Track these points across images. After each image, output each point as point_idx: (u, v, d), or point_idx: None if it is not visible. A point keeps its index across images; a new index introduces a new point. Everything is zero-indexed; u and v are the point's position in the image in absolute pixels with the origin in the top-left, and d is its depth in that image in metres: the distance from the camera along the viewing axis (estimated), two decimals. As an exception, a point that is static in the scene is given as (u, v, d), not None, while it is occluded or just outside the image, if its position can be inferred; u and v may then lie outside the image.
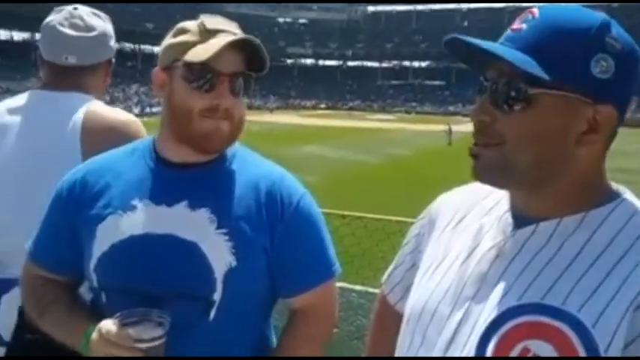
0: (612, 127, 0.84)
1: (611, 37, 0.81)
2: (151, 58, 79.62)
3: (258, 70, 1.24)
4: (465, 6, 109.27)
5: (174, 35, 1.24)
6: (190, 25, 1.24)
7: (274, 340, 1.39)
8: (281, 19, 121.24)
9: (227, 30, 1.22)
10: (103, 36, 1.82)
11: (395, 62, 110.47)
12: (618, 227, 0.84)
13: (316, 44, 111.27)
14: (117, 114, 1.75)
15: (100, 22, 1.83)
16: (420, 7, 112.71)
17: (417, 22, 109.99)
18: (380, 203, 12.32)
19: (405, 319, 1.02)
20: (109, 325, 1.10)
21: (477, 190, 1.03)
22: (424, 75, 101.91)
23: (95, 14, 1.84)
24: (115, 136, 1.59)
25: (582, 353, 0.76)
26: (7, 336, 1.57)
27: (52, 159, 1.60)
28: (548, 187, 0.86)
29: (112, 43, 1.87)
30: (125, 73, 71.92)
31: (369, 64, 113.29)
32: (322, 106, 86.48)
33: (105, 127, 1.66)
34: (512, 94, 0.83)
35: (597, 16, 0.83)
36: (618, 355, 0.75)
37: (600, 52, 0.80)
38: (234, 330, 1.25)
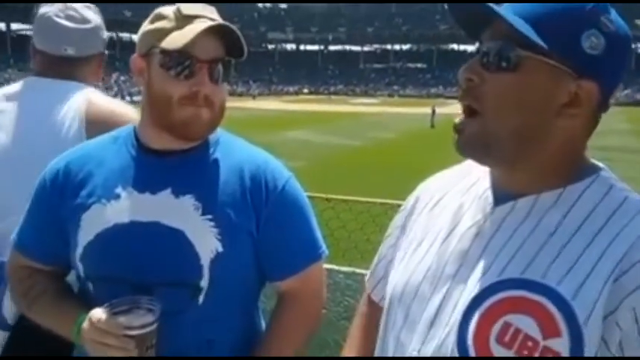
0: (593, 104, 0.85)
1: (607, 17, 0.83)
2: (130, 46, 78.46)
3: (237, 55, 1.23)
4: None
5: (152, 21, 1.23)
6: (167, 10, 1.21)
7: (263, 323, 1.40)
8: (261, 5, 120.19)
9: (204, 15, 1.20)
10: (98, 28, 1.86)
11: (376, 46, 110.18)
12: (595, 202, 0.85)
13: (297, 29, 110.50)
14: (117, 104, 1.79)
15: (93, 15, 1.86)
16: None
17: (397, 6, 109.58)
18: (365, 186, 12.36)
19: (387, 300, 1.03)
20: (99, 313, 1.10)
21: (456, 171, 1.06)
22: (406, 58, 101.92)
23: (87, 7, 1.86)
24: (116, 124, 1.60)
25: (563, 326, 0.78)
26: (12, 320, 1.57)
27: (52, 144, 1.60)
28: (527, 160, 0.87)
29: (105, 35, 1.92)
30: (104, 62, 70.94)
31: (351, 48, 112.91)
32: (305, 91, 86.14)
33: (106, 116, 1.68)
34: (502, 54, 0.84)
35: None
36: (598, 327, 0.77)
37: (593, 29, 0.82)
38: (223, 314, 1.25)
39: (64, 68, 1.79)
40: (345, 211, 4.42)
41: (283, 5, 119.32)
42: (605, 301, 0.77)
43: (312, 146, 21.20)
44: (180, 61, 1.16)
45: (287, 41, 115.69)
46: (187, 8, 1.20)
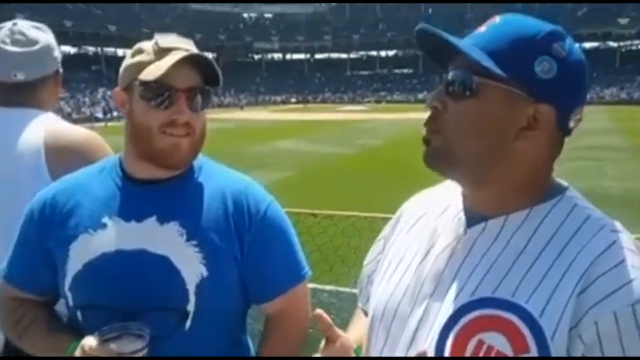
0: (550, 127, 0.90)
1: (559, 44, 0.90)
2: (116, 60, 78.44)
3: (214, 84, 1.28)
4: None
5: (132, 55, 1.28)
6: (146, 45, 1.27)
7: (250, 343, 1.44)
8: (246, 15, 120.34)
9: (180, 47, 1.25)
10: (47, 48, 1.81)
11: (362, 53, 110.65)
12: (560, 221, 0.91)
13: (283, 38, 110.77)
14: (77, 131, 1.74)
15: (42, 35, 1.82)
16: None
17: (382, 12, 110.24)
18: (354, 195, 12.37)
19: (369, 320, 1.08)
20: (90, 341, 1.12)
21: (436, 191, 1.11)
22: (392, 64, 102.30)
23: (35, 27, 1.82)
24: (80, 152, 1.59)
25: (531, 342, 0.83)
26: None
27: (16, 180, 1.57)
28: (491, 181, 0.93)
29: (57, 53, 1.86)
30: (90, 77, 70.67)
31: (337, 55, 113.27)
32: (292, 100, 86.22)
33: (67, 145, 1.65)
34: (462, 82, 0.91)
35: (550, 25, 0.92)
36: (564, 340, 0.82)
37: (545, 55, 0.88)
38: (211, 337, 1.27)
39: (17, 95, 1.74)
40: (332, 225, 4.46)
41: (268, 15, 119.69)
42: (570, 316, 0.82)
43: (301, 155, 21.19)
44: (159, 91, 1.20)
45: (273, 51, 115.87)
46: (164, 41, 1.25)
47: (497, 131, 0.90)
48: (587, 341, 0.81)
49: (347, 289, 3.77)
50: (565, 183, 0.98)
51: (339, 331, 1.01)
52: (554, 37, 0.90)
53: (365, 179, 15.16)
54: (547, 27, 0.92)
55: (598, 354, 0.81)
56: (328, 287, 3.88)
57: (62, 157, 1.57)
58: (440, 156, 0.94)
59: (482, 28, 0.94)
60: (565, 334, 0.82)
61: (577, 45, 0.93)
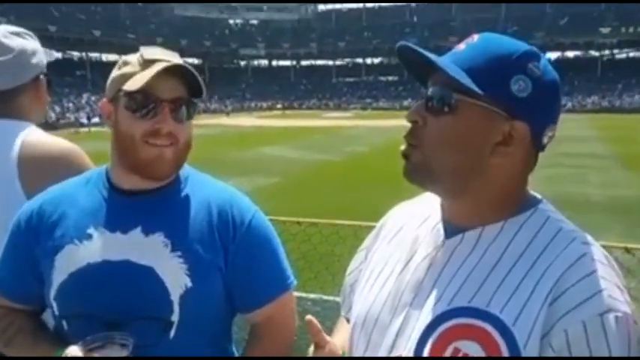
0: (525, 143, 0.94)
1: (534, 64, 0.93)
2: (101, 65, 77.95)
3: (197, 95, 1.29)
4: (413, 4, 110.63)
5: (119, 68, 1.30)
6: (131, 57, 1.29)
7: (235, 352, 1.45)
8: (232, 21, 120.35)
9: (164, 59, 1.26)
10: (23, 54, 1.75)
11: (348, 60, 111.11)
12: (533, 233, 0.94)
13: (269, 45, 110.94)
14: (56, 143, 1.67)
15: (18, 41, 1.75)
16: (369, 4, 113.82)
17: (366, 19, 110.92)
18: (341, 201, 12.40)
19: (350, 328, 1.11)
20: (75, 351, 1.13)
21: (417, 203, 1.14)
22: (377, 71, 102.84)
23: (13, 33, 1.76)
24: (57, 166, 1.56)
25: (504, 350, 0.86)
26: None
27: None
28: (468, 194, 0.97)
29: (37, 59, 1.79)
30: (75, 82, 70.09)
31: (323, 62, 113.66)
32: (278, 106, 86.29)
33: (45, 159, 1.60)
34: (440, 98, 0.94)
35: (525, 45, 0.96)
36: (536, 348, 0.85)
37: (521, 74, 0.92)
38: (195, 346, 1.28)
39: (1, 104, 1.69)
40: (316, 233, 4.49)
41: (254, 21, 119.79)
42: (542, 325, 0.85)
43: (287, 162, 21.20)
44: (144, 102, 1.22)
45: (259, 57, 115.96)
46: (149, 53, 1.28)
47: (474, 147, 0.93)
48: (557, 348, 0.84)
49: (331, 298, 3.78)
50: (538, 195, 1.01)
51: (328, 337, 1.04)
52: (529, 57, 0.94)
53: (350, 186, 15.21)
54: (523, 47, 0.95)
55: (566, 354, 0.84)
56: (312, 295, 3.90)
57: (37, 171, 1.54)
58: (419, 171, 0.97)
59: (462, 46, 0.98)
60: (537, 343, 0.85)
61: (550, 66, 0.97)
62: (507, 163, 0.95)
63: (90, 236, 1.26)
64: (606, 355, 0.82)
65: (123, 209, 1.29)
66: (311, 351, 1.04)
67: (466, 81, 0.91)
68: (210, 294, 1.29)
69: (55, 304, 1.27)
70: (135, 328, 1.19)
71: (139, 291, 1.23)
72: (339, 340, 1.16)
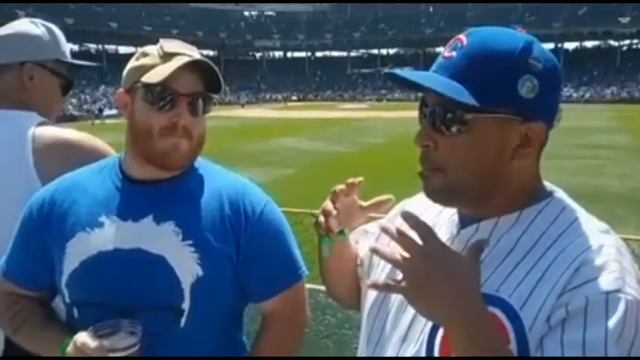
0: (542, 139, 0.93)
1: (533, 57, 0.89)
2: (117, 58, 78.34)
3: (215, 90, 1.30)
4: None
5: (136, 59, 1.30)
6: (150, 49, 1.30)
7: (245, 342, 1.45)
8: (247, 13, 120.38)
9: (184, 53, 1.27)
10: (15, 36, 1.75)
11: (363, 51, 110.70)
12: (548, 223, 0.94)
13: (284, 36, 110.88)
14: (69, 132, 1.68)
15: (25, 26, 1.76)
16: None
17: (382, 11, 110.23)
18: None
19: (365, 312, 1.12)
20: (83, 337, 1.14)
21: None
22: (393, 62, 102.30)
23: (30, 22, 1.78)
24: (71, 153, 1.56)
25: (511, 333, 0.86)
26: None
27: (7, 184, 1.56)
28: (491, 198, 0.96)
29: (32, 47, 1.76)
30: (92, 74, 70.70)
31: (338, 53, 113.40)
32: (293, 98, 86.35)
33: (60, 146, 1.61)
34: (449, 119, 0.90)
35: (519, 37, 0.91)
36: (541, 328, 0.84)
37: (525, 74, 0.88)
38: (205, 335, 1.29)
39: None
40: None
41: (269, 13, 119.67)
42: (549, 308, 0.85)
43: (302, 153, 21.22)
44: (162, 95, 1.23)
45: (274, 49, 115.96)
46: (169, 46, 1.28)
47: (494, 157, 0.92)
48: (553, 321, 0.84)
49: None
50: (552, 185, 1.01)
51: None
52: (526, 52, 0.89)
53: (366, 178, 15.16)
54: (518, 40, 0.90)
55: (559, 327, 0.82)
56: (324, 287, 3.90)
57: (52, 159, 1.55)
58: (443, 192, 0.96)
59: (452, 54, 0.92)
60: (542, 325, 0.84)
61: (544, 49, 0.92)
62: (528, 162, 0.94)
63: (101, 224, 1.27)
64: (600, 330, 0.79)
65: (135, 198, 1.30)
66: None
67: (469, 100, 0.87)
68: (221, 283, 1.29)
69: (66, 292, 1.28)
70: (146, 317, 1.20)
71: (149, 279, 1.24)
72: (355, 248, 1.26)
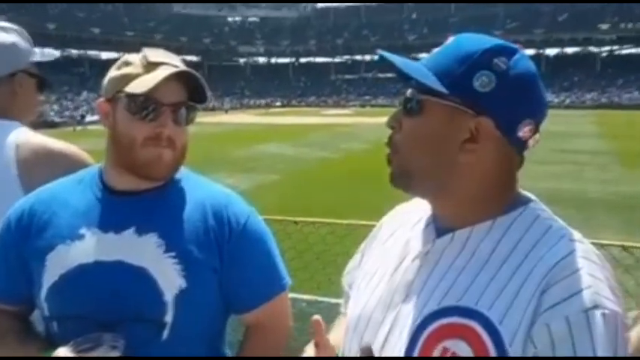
0: (492, 138, 0.93)
1: (500, 59, 0.93)
2: (100, 63, 77.71)
3: (200, 100, 1.29)
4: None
5: (118, 67, 1.28)
6: (133, 58, 1.28)
7: (228, 353, 1.44)
8: (230, 19, 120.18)
9: (169, 62, 1.26)
10: (3, 48, 1.70)
11: (347, 57, 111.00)
12: (522, 232, 0.94)
13: (267, 42, 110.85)
14: (53, 142, 1.65)
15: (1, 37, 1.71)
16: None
17: (365, 16, 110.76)
18: (340, 199, 12.40)
19: (345, 329, 1.12)
20: (63, 352, 1.11)
21: (412, 204, 1.15)
22: (376, 68, 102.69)
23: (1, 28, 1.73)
24: (56, 164, 1.54)
25: (491, 349, 0.86)
26: None
27: None
28: (448, 194, 0.97)
29: (14, 55, 1.72)
30: (73, 80, 70.05)
31: (322, 59, 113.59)
32: (277, 104, 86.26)
33: (44, 157, 1.59)
34: (409, 100, 0.98)
35: (493, 41, 0.96)
36: (522, 342, 0.85)
37: (484, 70, 0.92)
38: (188, 348, 1.28)
39: None
40: (313, 232, 4.48)
41: (253, 19, 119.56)
42: (528, 322, 0.85)
43: (286, 159, 21.20)
44: (146, 105, 1.21)
45: (258, 54, 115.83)
46: (153, 55, 1.26)
47: (442, 145, 0.95)
48: (539, 344, 0.83)
49: (326, 299, 3.77)
50: (530, 195, 1.01)
51: (329, 339, 1.03)
52: (495, 53, 0.93)
53: (351, 183, 15.22)
54: (491, 43, 0.95)
55: (550, 354, 0.83)
56: (307, 297, 3.90)
57: (36, 170, 1.52)
58: (400, 176, 1.00)
59: (437, 49, 1.00)
60: (522, 340, 0.85)
61: (528, 61, 0.96)
62: (478, 160, 0.94)
63: (82, 236, 1.24)
64: (590, 353, 0.81)
65: (116, 209, 1.27)
66: (308, 349, 1.03)
67: (429, 80, 0.93)
68: (205, 295, 1.28)
69: (45, 305, 1.25)
70: (128, 330, 1.18)
71: (131, 292, 1.22)
72: (336, 336, 1.16)
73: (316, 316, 0.99)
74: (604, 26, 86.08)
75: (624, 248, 3.38)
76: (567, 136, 23.09)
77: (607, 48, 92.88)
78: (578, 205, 11.30)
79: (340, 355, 1.10)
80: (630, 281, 3.59)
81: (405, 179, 0.99)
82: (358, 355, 1.00)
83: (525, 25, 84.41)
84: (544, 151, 18.41)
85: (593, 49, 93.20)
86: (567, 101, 65.19)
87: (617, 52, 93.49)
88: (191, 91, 1.28)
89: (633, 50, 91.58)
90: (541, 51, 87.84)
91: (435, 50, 1.00)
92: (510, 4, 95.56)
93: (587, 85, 78.25)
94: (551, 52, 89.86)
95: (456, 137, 0.94)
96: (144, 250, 1.23)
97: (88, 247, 1.23)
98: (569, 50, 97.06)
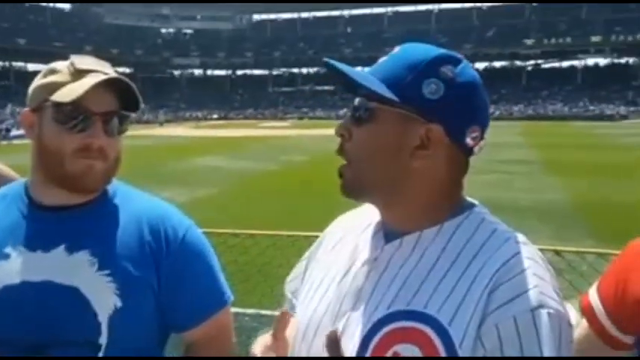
0: (443, 145, 0.95)
1: (447, 68, 0.96)
2: (26, 75, 74.44)
3: (132, 109, 1.23)
4: (347, 12, 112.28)
5: (44, 76, 1.21)
6: (60, 65, 1.21)
7: None
8: (164, 30, 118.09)
9: (98, 70, 1.20)
10: None
11: (284, 69, 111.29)
12: (469, 234, 0.96)
13: (203, 54, 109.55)
14: None
15: None
16: (304, 14, 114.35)
17: (301, 30, 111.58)
18: (280, 211, 12.35)
19: (292, 338, 1.09)
20: None
21: (359, 212, 1.15)
22: (313, 81, 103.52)
23: None
24: None
25: (442, 351, 0.87)
26: None
27: None
28: (401, 201, 0.98)
29: None
30: (-3, 92, 66.85)
31: (259, 72, 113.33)
32: (214, 116, 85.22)
33: None
34: (359, 108, 0.98)
35: (439, 50, 0.99)
36: (471, 343, 0.86)
37: (433, 77, 0.94)
38: None
39: None
40: (254, 244, 4.45)
41: (188, 30, 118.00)
42: (477, 323, 0.87)
43: (224, 172, 20.92)
44: (74, 114, 1.15)
45: (193, 66, 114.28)
46: (81, 63, 1.20)
47: (393, 152, 0.96)
48: (489, 346, 0.86)
49: (269, 312, 3.74)
50: (474, 200, 1.04)
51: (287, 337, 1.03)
52: (442, 61, 0.96)
53: (292, 195, 15.19)
54: (437, 52, 0.98)
55: (499, 354, 0.85)
56: (250, 311, 3.87)
57: None
58: (351, 186, 1.00)
59: (385, 57, 1.01)
60: (472, 341, 0.86)
61: (472, 69, 1.00)
62: (430, 166, 0.96)
63: (7, 256, 1.17)
64: (537, 353, 0.83)
65: (44, 226, 1.21)
66: (261, 339, 1.04)
67: (379, 88, 0.94)
68: (142, 313, 1.22)
69: None
70: (59, 353, 1.12)
71: (62, 313, 1.16)
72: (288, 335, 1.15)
73: (285, 309, 1.00)
74: (528, 41, 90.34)
75: (557, 253, 3.52)
76: (497, 146, 23.99)
77: (532, 62, 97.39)
78: (508, 213, 11.68)
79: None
80: (564, 284, 3.75)
81: (358, 188, 1.00)
82: (325, 345, 0.98)
83: (456, 40, 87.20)
84: (478, 161, 18.87)
85: (519, 63, 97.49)
86: (497, 113, 67.62)
87: (541, 66, 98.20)
88: (123, 100, 1.22)
89: (556, 64, 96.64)
90: (471, 65, 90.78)
91: (382, 59, 1.01)
92: (441, 19, 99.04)
93: (514, 98, 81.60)
94: (480, 65, 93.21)
95: (406, 144, 0.95)
96: (75, 269, 1.16)
97: (14, 267, 1.16)
98: (497, 64, 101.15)
